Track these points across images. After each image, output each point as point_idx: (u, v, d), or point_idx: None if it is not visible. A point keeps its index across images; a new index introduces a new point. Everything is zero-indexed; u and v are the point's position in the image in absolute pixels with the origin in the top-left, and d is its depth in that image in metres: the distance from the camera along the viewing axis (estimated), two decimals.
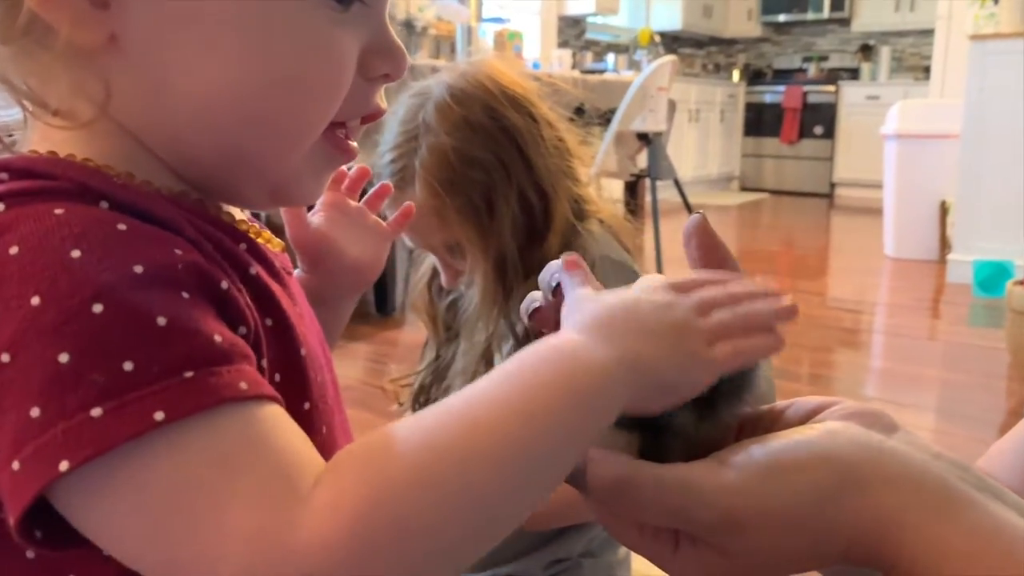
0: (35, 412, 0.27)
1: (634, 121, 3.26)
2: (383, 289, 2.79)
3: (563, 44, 6.24)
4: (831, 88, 7.01)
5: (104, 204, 0.32)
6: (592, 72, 5.07)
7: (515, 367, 0.31)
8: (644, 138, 3.39)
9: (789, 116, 7.15)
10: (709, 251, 0.38)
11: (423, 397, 0.97)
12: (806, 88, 7.10)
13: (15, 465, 0.27)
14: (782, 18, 7.51)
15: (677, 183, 3.58)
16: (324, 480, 0.28)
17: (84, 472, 0.27)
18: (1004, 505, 0.31)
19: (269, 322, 0.36)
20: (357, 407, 2.02)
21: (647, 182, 3.53)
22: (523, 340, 0.82)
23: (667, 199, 3.91)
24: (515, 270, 0.85)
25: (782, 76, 7.60)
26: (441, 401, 0.30)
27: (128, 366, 0.28)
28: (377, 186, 0.64)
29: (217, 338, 0.30)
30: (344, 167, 0.57)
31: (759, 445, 0.32)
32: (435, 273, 0.95)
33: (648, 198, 3.53)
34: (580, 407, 0.30)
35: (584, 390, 0.30)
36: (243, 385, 0.29)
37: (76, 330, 0.28)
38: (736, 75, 7.74)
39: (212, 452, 0.28)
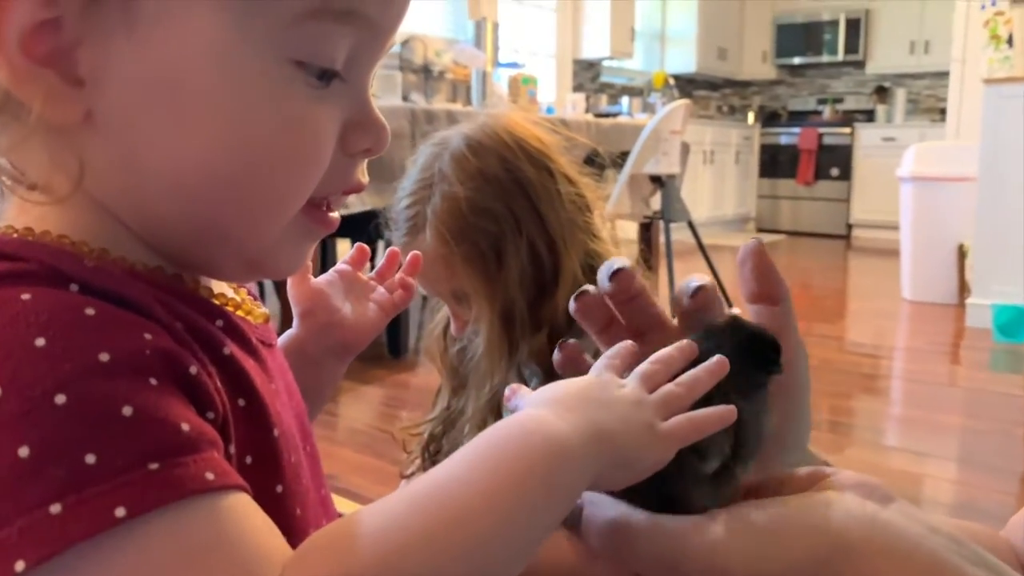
0: None
1: (647, 164, 3.27)
2: (396, 331, 2.78)
3: (578, 87, 6.30)
4: (847, 130, 7.02)
5: (74, 287, 0.32)
6: (607, 115, 5.11)
7: (481, 445, 0.31)
8: (657, 180, 3.39)
9: (805, 157, 7.16)
10: (762, 275, 0.40)
11: (433, 446, 0.97)
12: (821, 130, 7.11)
13: None
14: (797, 60, 7.56)
15: (691, 225, 3.57)
16: (288, 572, 0.28)
17: (42, 572, 0.26)
18: None
19: (241, 402, 0.35)
20: (365, 452, 2.00)
21: (661, 224, 3.52)
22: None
23: (682, 240, 3.90)
24: (522, 322, 0.85)
25: (797, 118, 7.63)
26: (409, 485, 0.30)
27: (90, 459, 0.27)
28: (387, 253, 0.66)
29: (184, 426, 0.29)
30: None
31: (757, 509, 0.33)
32: (450, 320, 0.95)
33: (662, 240, 3.53)
34: (546, 480, 0.30)
35: (549, 461, 0.30)
36: (209, 476, 0.29)
37: (37, 422, 0.27)
38: (751, 117, 7.77)
39: (175, 547, 0.27)
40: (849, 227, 7.02)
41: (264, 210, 0.36)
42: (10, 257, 0.32)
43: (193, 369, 0.32)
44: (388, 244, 2.67)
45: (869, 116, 7.19)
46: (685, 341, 0.36)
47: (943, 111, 5.62)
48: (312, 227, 0.39)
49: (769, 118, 7.81)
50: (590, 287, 0.39)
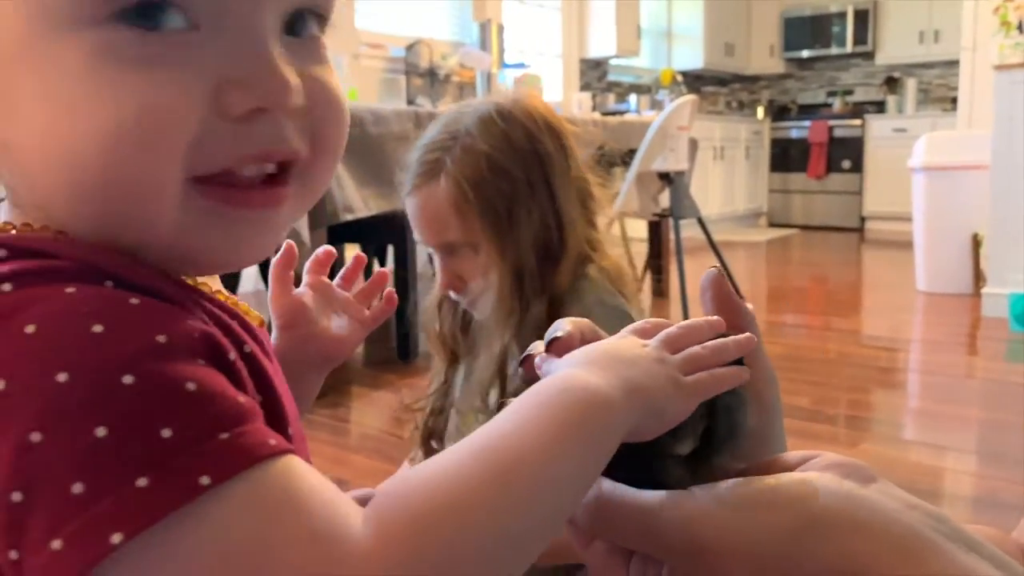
0: (78, 488, 0.27)
1: (655, 161, 3.25)
2: (405, 336, 2.78)
3: (585, 87, 6.29)
4: (857, 122, 6.97)
5: (109, 283, 0.32)
6: (614, 113, 5.10)
7: (528, 403, 0.32)
8: (666, 177, 3.37)
9: (816, 151, 7.11)
10: (723, 303, 0.41)
11: (432, 420, 0.99)
12: (832, 122, 7.06)
13: (55, 544, 0.27)
14: (805, 54, 7.51)
15: (701, 221, 3.55)
16: (369, 521, 0.29)
17: (136, 543, 0.27)
18: (978, 556, 0.31)
19: (260, 399, 0.35)
20: (376, 458, 1.99)
21: (671, 221, 3.50)
22: None
23: (692, 237, 3.87)
24: (532, 281, 0.88)
25: (807, 111, 7.58)
26: (464, 440, 0.31)
27: (166, 433, 0.28)
28: (376, 274, 0.65)
29: (241, 399, 0.31)
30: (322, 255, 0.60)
31: (734, 485, 0.34)
32: (444, 298, 0.97)
33: (672, 237, 3.51)
34: (591, 431, 0.32)
35: (593, 414, 0.32)
36: (272, 441, 0.30)
37: (110, 403, 0.28)
38: (760, 111, 7.73)
39: (258, 508, 0.28)
40: (862, 220, 6.97)
41: (129, 194, 0.33)
42: (45, 255, 0.32)
43: (231, 355, 0.33)
44: (397, 250, 2.65)
45: (880, 107, 7.13)
46: (716, 317, 0.39)
47: (955, 100, 5.57)
48: (218, 208, 0.34)
49: (779, 112, 7.77)
50: (534, 350, 0.38)
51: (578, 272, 0.91)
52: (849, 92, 7.47)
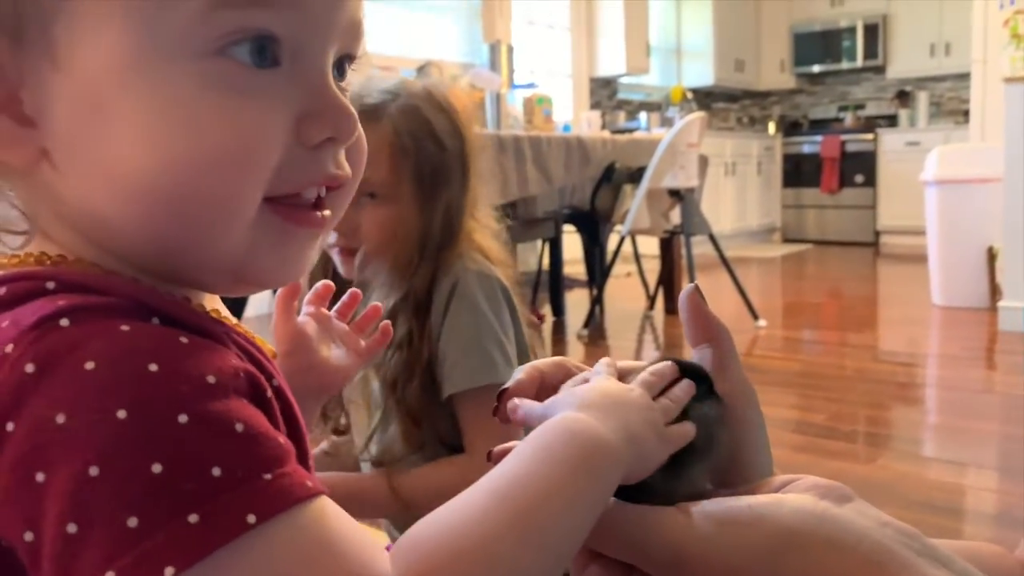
0: (132, 522, 0.28)
1: (665, 178, 3.25)
2: None
3: (595, 105, 6.31)
4: (869, 136, 6.95)
5: (155, 320, 0.34)
6: (624, 131, 5.11)
7: (538, 445, 0.35)
8: (676, 194, 3.37)
9: (828, 166, 7.09)
10: (698, 320, 0.42)
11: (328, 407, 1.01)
12: (844, 137, 7.05)
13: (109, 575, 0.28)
14: (816, 69, 7.51)
15: (712, 238, 3.54)
16: (398, 566, 0.31)
17: None
18: (948, 572, 0.33)
19: (285, 430, 0.37)
20: None
21: (682, 238, 3.50)
22: (415, 315, 0.93)
23: (705, 253, 3.86)
24: (431, 251, 0.92)
25: (819, 126, 7.57)
26: (480, 481, 0.34)
27: (216, 472, 0.29)
28: (368, 308, 0.67)
29: (280, 439, 0.32)
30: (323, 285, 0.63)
31: (718, 503, 0.36)
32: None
33: (683, 254, 3.50)
34: (595, 474, 0.34)
35: (597, 459, 0.34)
36: (309, 483, 0.31)
37: (165, 441, 0.29)
38: (772, 127, 7.73)
39: (296, 548, 0.30)
40: (877, 234, 6.93)
41: (212, 214, 0.35)
42: (97, 291, 0.34)
43: (268, 393, 0.35)
44: None
45: (892, 121, 7.11)
46: (668, 363, 0.41)
47: (967, 113, 5.55)
48: (285, 227, 0.37)
49: (790, 127, 7.76)
50: (511, 384, 0.41)
51: (462, 252, 0.96)
52: (860, 106, 7.45)
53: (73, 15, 0.33)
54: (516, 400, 0.39)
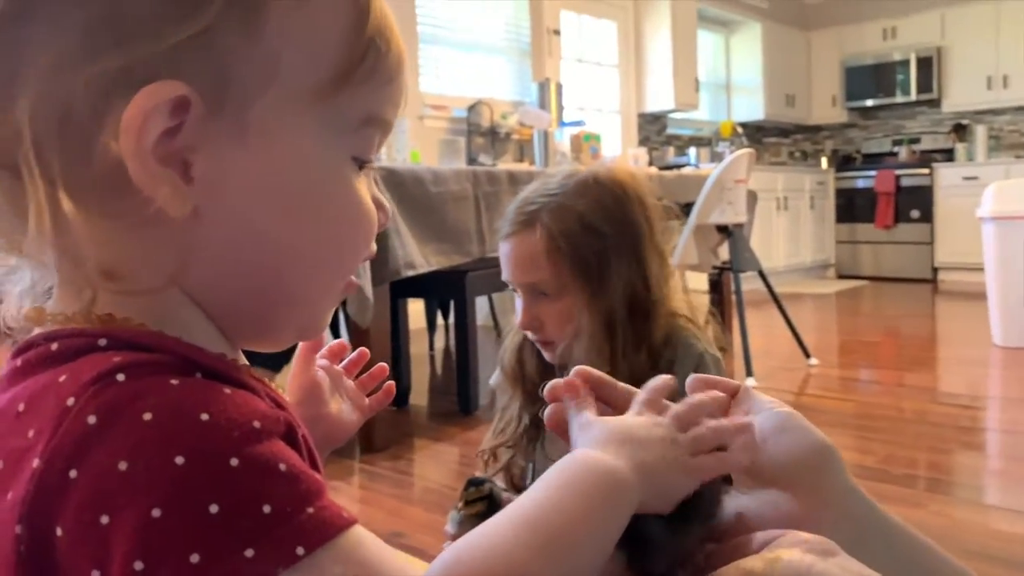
0: (195, 558, 0.31)
1: (712, 214, 3.24)
2: (466, 388, 2.80)
3: (644, 141, 6.33)
4: (925, 171, 6.81)
5: (199, 374, 0.37)
6: (673, 167, 5.11)
7: (558, 479, 0.39)
8: (724, 230, 3.35)
9: (883, 200, 6.97)
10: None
11: (512, 463, 1.05)
12: (898, 171, 6.93)
13: None
14: (869, 103, 7.42)
15: (762, 274, 3.50)
16: None
17: None
18: None
19: None
20: (436, 511, 1.99)
21: (731, 274, 3.47)
22: None
23: (756, 290, 3.82)
24: (625, 333, 0.95)
25: (872, 160, 7.46)
26: (504, 512, 0.37)
27: (267, 509, 0.32)
28: (376, 367, 0.70)
29: (316, 475, 0.35)
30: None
31: (717, 573, 0.39)
32: (525, 340, 1.05)
33: (733, 290, 3.47)
34: (611, 506, 0.38)
35: (612, 492, 0.38)
36: (344, 513, 0.34)
37: (220, 483, 0.32)
38: (824, 161, 7.64)
39: (342, 573, 0.33)
40: (935, 270, 6.76)
41: (334, 280, 0.43)
42: (148, 348, 0.36)
43: (300, 434, 0.38)
44: (457, 304, 2.70)
45: (948, 155, 6.97)
46: (721, 394, 0.44)
47: None
48: (345, 291, 0.45)
49: (843, 162, 7.66)
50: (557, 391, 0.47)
51: (671, 324, 0.99)
52: (915, 140, 7.32)
53: (273, 107, 0.38)
54: (555, 411, 0.45)
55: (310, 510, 0.33)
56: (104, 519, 0.31)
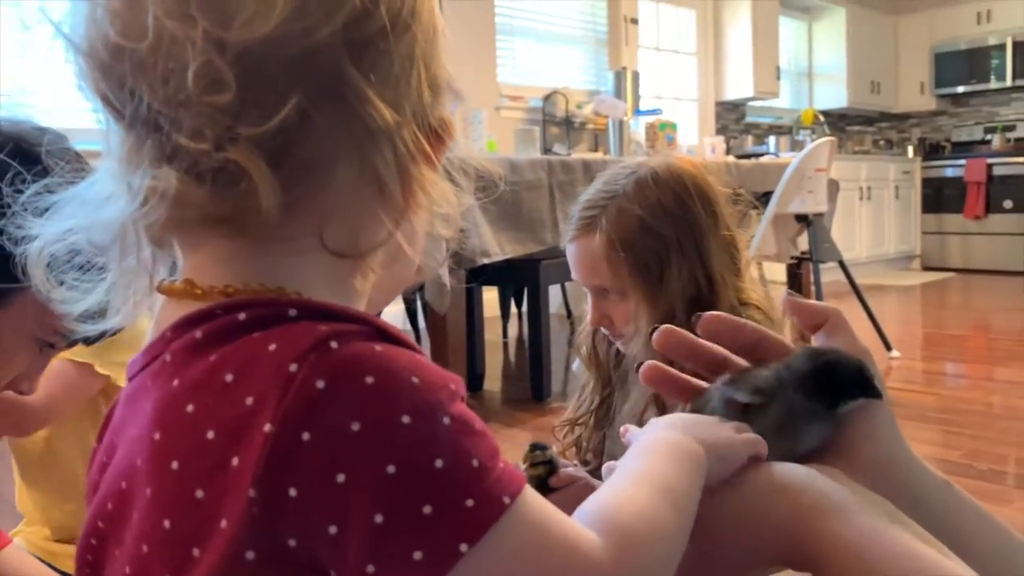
0: (427, 509, 0.33)
1: (792, 203, 3.19)
2: (539, 376, 2.84)
3: (722, 129, 6.23)
4: (1020, 159, 6.51)
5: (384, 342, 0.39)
6: (752, 156, 5.03)
7: (655, 452, 0.44)
8: (804, 220, 3.30)
9: (973, 190, 6.69)
10: (801, 313, 0.57)
11: (586, 437, 1.09)
12: (991, 160, 6.64)
13: (416, 555, 0.33)
14: (960, 89, 7.12)
15: (842, 264, 3.43)
16: (604, 541, 0.37)
17: (476, 550, 0.34)
18: (893, 522, 0.39)
19: None
20: None
21: (811, 264, 3.41)
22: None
23: (836, 280, 3.74)
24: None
25: (962, 149, 7.17)
26: (615, 475, 0.43)
27: (475, 463, 0.35)
28: None
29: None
30: None
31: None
32: (597, 328, 1.07)
33: (812, 281, 3.41)
34: (694, 473, 0.43)
35: (694, 462, 0.44)
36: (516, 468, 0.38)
37: (441, 440, 0.35)
38: (911, 150, 7.37)
39: (533, 519, 0.36)
40: None
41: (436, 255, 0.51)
42: (343, 317, 0.38)
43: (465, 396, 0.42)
44: (531, 291, 2.73)
45: None
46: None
47: None
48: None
49: (931, 151, 7.38)
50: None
51: (739, 316, 0.98)
52: (1010, 127, 7.00)
53: (418, 178, 0.44)
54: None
55: (501, 465, 0.36)
56: (340, 477, 0.33)
